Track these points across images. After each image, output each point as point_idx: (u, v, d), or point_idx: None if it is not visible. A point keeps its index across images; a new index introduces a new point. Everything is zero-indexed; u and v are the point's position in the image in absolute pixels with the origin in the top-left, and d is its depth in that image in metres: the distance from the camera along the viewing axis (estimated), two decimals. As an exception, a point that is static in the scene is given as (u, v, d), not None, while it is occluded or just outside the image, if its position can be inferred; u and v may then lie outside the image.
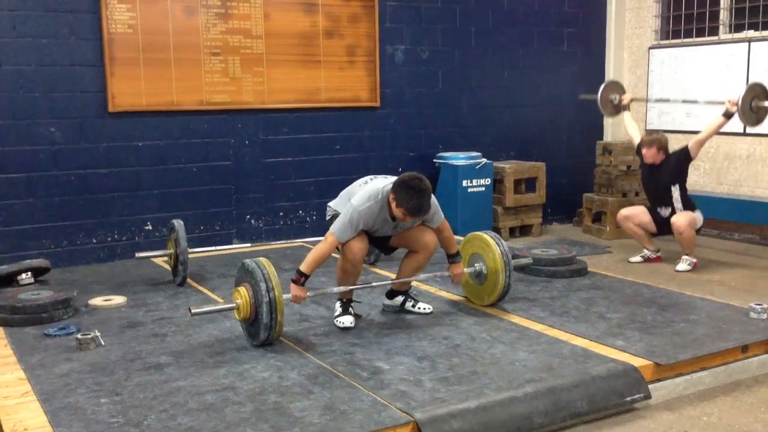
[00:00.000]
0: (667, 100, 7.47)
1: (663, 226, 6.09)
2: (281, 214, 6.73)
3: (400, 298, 4.43)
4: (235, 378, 3.38)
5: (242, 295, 3.75)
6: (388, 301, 4.46)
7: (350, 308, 4.20)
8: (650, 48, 8.04)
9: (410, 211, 3.85)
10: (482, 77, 7.66)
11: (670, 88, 7.83)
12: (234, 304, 3.78)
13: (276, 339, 3.80)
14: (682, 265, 5.94)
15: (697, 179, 7.55)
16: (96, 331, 3.91)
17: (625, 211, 6.29)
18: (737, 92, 5.65)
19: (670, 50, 7.85)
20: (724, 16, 7.37)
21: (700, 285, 5.44)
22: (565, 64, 8.09)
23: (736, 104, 5.58)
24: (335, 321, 4.15)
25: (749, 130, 6.79)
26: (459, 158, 7.14)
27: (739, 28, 7.26)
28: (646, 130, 8.01)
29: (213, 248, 5.86)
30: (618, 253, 6.60)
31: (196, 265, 5.50)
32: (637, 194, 7.40)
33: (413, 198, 3.81)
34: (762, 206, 6.86)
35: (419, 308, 4.38)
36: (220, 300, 4.65)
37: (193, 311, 3.75)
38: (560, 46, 8.05)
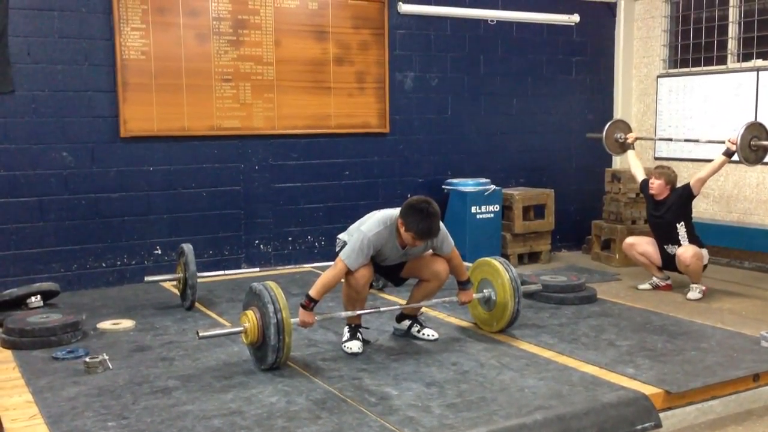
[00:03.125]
0: (670, 140, 7.57)
1: (669, 263, 6.08)
2: (290, 239, 6.74)
3: (407, 322, 4.42)
4: (243, 402, 3.37)
5: (250, 318, 3.75)
6: (397, 325, 4.46)
7: (358, 333, 4.19)
8: (658, 76, 8.07)
9: (419, 234, 3.85)
10: (491, 104, 7.70)
11: (679, 117, 7.85)
12: (242, 328, 3.77)
13: (284, 362, 3.78)
14: (693, 293, 5.91)
15: (707, 207, 7.53)
16: (104, 354, 3.91)
17: (630, 240, 6.30)
18: (737, 132, 5.69)
19: (678, 79, 7.87)
20: (732, 45, 7.40)
21: (711, 313, 5.40)
22: (574, 91, 8.12)
23: (736, 143, 5.63)
24: (343, 346, 4.14)
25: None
26: (468, 184, 7.15)
27: (747, 57, 7.28)
28: (654, 158, 8.03)
29: (222, 272, 5.87)
30: (627, 281, 6.57)
31: (204, 289, 5.51)
32: (645, 222, 7.38)
33: (422, 221, 3.81)
34: (772, 234, 6.84)
35: (424, 334, 4.36)
36: (228, 324, 4.64)
37: (201, 335, 3.75)
38: (569, 74, 8.09)
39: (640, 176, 6.34)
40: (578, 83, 8.14)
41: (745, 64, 7.26)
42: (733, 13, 7.39)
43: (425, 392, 3.48)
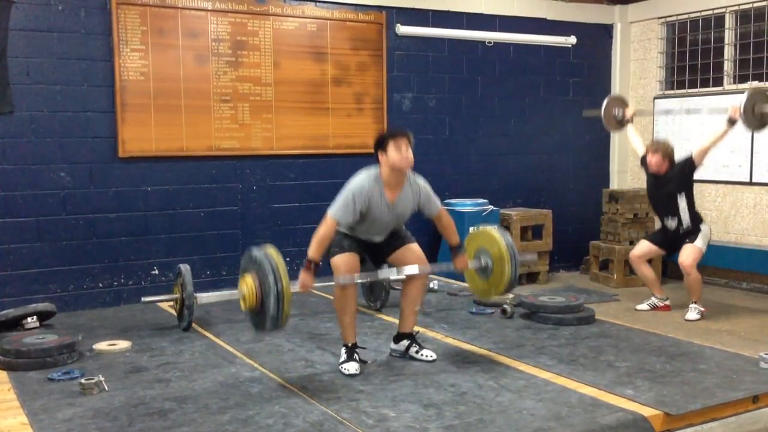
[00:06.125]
0: (671, 111, 7.48)
1: (670, 243, 6.03)
2: (288, 259, 6.64)
3: (405, 343, 4.39)
4: (240, 425, 3.34)
5: (248, 285, 3.72)
6: (394, 346, 4.43)
7: (355, 354, 4.17)
8: (655, 98, 8.12)
9: (393, 134, 4.08)
10: (489, 125, 7.73)
11: (675, 138, 7.87)
12: (240, 294, 3.76)
13: (282, 327, 3.77)
14: (691, 314, 5.90)
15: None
16: (100, 375, 3.88)
17: (636, 251, 6.24)
18: (740, 100, 5.64)
19: (674, 100, 7.92)
20: (728, 67, 7.45)
21: (709, 334, 5.38)
22: (571, 112, 8.16)
23: (740, 110, 5.59)
24: (340, 368, 4.11)
25: (756, 179, 6.81)
26: (466, 205, 7.16)
27: (743, 78, 7.33)
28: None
29: (219, 293, 5.83)
30: (626, 301, 6.56)
31: (201, 309, 5.48)
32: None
33: (389, 130, 4.14)
34: (770, 255, 6.84)
35: (423, 355, 4.33)
36: (226, 345, 4.63)
37: (198, 299, 3.71)
38: (566, 95, 8.14)
39: (641, 151, 6.27)
40: (575, 104, 8.17)
41: (741, 86, 7.30)
42: (728, 36, 7.45)
43: (423, 414, 3.46)
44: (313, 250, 3.98)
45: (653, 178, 6.08)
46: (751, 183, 7.13)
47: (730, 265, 7.22)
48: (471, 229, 4.80)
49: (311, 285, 3.96)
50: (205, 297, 3.80)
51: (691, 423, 3.52)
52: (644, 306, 6.25)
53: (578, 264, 8.21)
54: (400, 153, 4.04)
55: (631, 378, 3.97)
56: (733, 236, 7.38)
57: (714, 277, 7.30)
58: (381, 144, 4.10)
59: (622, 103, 6.66)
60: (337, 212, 4.03)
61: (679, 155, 6.04)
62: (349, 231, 4.21)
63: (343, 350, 4.18)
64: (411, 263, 4.26)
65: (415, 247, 4.33)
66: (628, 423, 3.35)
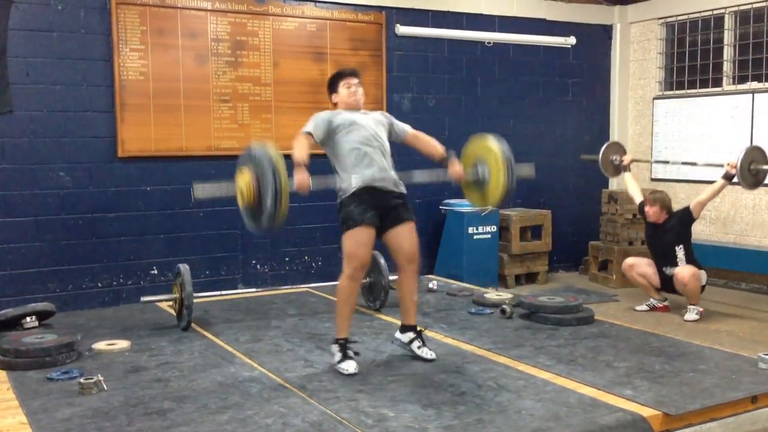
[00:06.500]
0: (667, 162, 7.59)
1: (667, 284, 6.08)
2: (287, 259, 6.73)
3: (411, 335, 4.36)
4: (238, 424, 3.34)
5: (246, 181, 3.72)
6: (400, 335, 4.37)
7: (348, 351, 4.14)
8: (654, 98, 8.12)
9: (342, 74, 4.22)
10: (488, 125, 7.72)
11: (675, 138, 7.89)
12: (237, 188, 3.77)
13: (279, 225, 3.77)
14: (690, 315, 5.90)
15: (703, 229, 7.54)
16: (99, 375, 3.88)
17: (630, 260, 6.31)
18: (736, 155, 5.73)
19: (674, 101, 7.92)
20: (727, 67, 7.46)
21: (708, 334, 5.38)
22: (570, 113, 8.17)
23: (736, 167, 5.65)
24: (337, 368, 4.10)
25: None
26: (465, 205, 7.16)
27: (742, 79, 7.34)
28: (650, 179, 8.05)
29: (218, 293, 5.85)
30: (625, 302, 6.57)
31: (200, 309, 5.48)
32: (643, 243, 7.40)
33: (338, 71, 4.26)
34: (769, 256, 6.85)
35: (423, 352, 4.31)
36: (225, 345, 4.63)
37: (196, 193, 3.93)
38: (565, 96, 8.14)
39: (638, 198, 6.35)
40: (575, 105, 8.18)
41: (740, 87, 7.31)
42: (728, 36, 7.45)
43: (422, 414, 3.46)
44: (297, 153, 3.93)
45: (652, 228, 6.16)
46: (750, 184, 7.13)
47: (729, 266, 7.22)
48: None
49: (308, 183, 3.88)
50: (204, 189, 3.94)
51: (690, 423, 3.52)
52: (643, 306, 6.26)
53: (577, 264, 8.21)
54: (349, 90, 4.18)
55: (630, 378, 3.97)
56: (732, 237, 7.38)
57: (713, 277, 7.30)
58: (332, 85, 4.21)
59: (620, 149, 6.75)
60: (306, 128, 4.08)
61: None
62: (355, 186, 4.08)
63: (337, 349, 4.14)
64: (405, 250, 4.20)
65: (411, 228, 4.24)
66: (627, 423, 3.35)
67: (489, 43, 7.59)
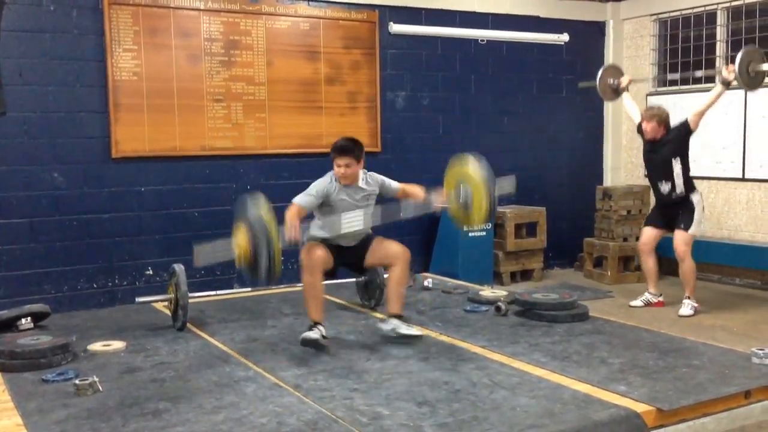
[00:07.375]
0: (665, 74, 7.53)
1: (666, 214, 6.05)
2: (282, 258, 6.71)
3: (394, 321, 4.57)
4: (234, 424, 3.35)
5: (241, 246, 4.06)
6: (383, 325, 4.65)
7: (317, 328, 4.43)
8: (648, 95, 8.14)
9: (334, 149, 4.54)
10: (482, 123, 7.74)
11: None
12: (235, 252, 4.11)
13: (275, 280, 4.22)
14: (685, 309, 5.92)
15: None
16: (94, 376, 3.88)
17: (643, 239, 6.26)
18: (735, 58, 5.68)
19: (667, 97, 7.94)
20: (720, 63, 7.47)
21: (702, 330, 5.41)
22: (564, 110, 8.18)
23: (734, 70, 5.60)
24: (302, 336, 4.38)
25: (748, 175, 6.84)
26: (459, 203, 7.16)
27: (735, 75, 7.34)
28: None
29: (213, 293, 5.85)
30: (619, 298, 6.59)
31: (196, 309, 5.48)
32: (637, 239, 7.41)
33: (336, 143, 4.60)
34: (762, 251, 6.87)
35: (410, 330, 4.57)
36: (221, 345, 4.63)
37: (197, 256, 4.33)
38: (559, 93, 8.15)
39: (637, 118, 6.27)
40: (568, 102, 8.19)
41: (733, 83, 7.31)
42: (720, 32, 7.47)
43: (417, 412, 3.47)
44: (290, 216, 4.38)
45: (649, 144, 6.09)
46: (743, 179, 7.16)
47: (723, 261, 7.25)
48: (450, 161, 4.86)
49: (297, 237, 4.33)
50: (205, 254, 4.33)
51: (684, 418, 3.54)
52: (638, 302, 6.27)
53: (572, 261, 8.23)
54: (338, 169, 4.54)
55: (624, 374, 3.99)
56: (726, 232, 7.41)
57: (707, 272, 7.33)
58: (331, 155, 4.60)
59: (617, 72, 6.67)
60: (298, 198, 4.54)
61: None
62: (321, 236, 4.60)
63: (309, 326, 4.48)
64: (390, 252, 4.63)
65: (377, 240, 4.72)
66: (621, 419, 3.37)
67: (482, 40, 7.60)
